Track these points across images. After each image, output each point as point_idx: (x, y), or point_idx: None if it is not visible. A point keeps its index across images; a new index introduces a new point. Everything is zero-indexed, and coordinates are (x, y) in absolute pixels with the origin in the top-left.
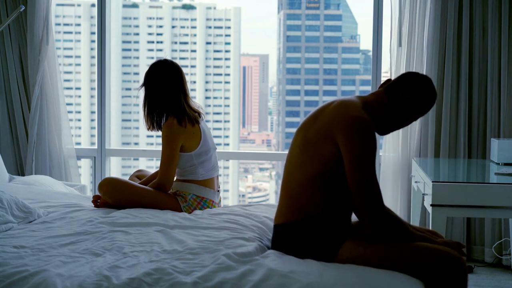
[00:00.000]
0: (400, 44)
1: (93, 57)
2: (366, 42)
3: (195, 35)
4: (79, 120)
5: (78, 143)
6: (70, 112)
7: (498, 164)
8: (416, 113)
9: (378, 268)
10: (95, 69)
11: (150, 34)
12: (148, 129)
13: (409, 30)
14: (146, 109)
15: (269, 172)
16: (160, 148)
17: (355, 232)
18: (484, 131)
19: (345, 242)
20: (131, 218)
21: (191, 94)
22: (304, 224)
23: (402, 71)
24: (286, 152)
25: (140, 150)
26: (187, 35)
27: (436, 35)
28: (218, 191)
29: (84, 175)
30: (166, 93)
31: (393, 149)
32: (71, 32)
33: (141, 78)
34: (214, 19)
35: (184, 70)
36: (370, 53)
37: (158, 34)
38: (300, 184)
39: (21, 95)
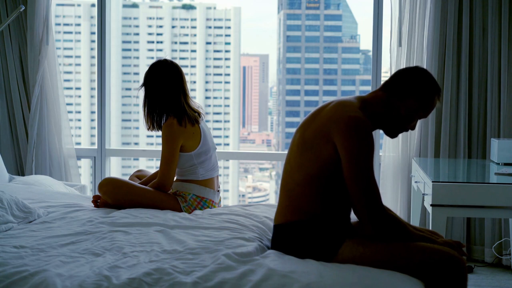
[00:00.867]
0: (400, 44)
1: (93, 57)
2: (366, 42)
3: (195, 35)
4: (79, 120)
5: (78, 143)
6: (70, 112)
7: (498, 164)
8: (418, 101)
9: (378, 268)
10: (95, 69)
11: (150, 34)
12: (148, 129)
13: (409, 30)
14: (146, 109)
15: (269, 172)
16: (160, 148)
17: (355, 232)
18: (484, 131)
19: (345, 242)
20: (131, 218)
21: (191, 94)
22: (304, 224)
23: None
24: (286, 152)
25: (140, 150)
26: (187, 35)
27: (436, 35)
28: (218, 191)
29: (84, 175)
30: (166, 93)
31: (393, 149)
32: (71, 32)
33: (141, 78)
34: (214, 19)
35: (184, 70)
36: (370, 53)
37: (158, 34)
38: (299, 184)
39: (21, 95)
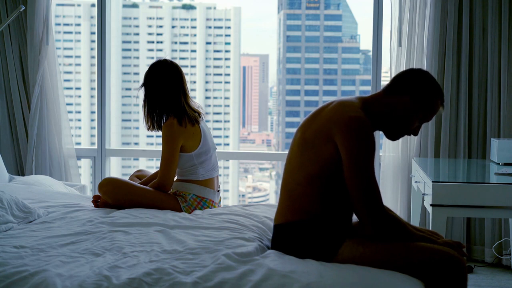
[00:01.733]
0: (400, 44)
1: (93, 57)
2: (366, 42)
3: (195, 35)
4: (79, 120)
5: (78, 143)
6: (70, 112)
7: (498, 164)
8: (414, 100)
9: (378, 268)
10: (95, 69)
11: (150, 34)
12: (148, 129)
13: (409, 30)
14: (146, 109)
15: (269, 172)
16: (160, 148)
17: (355, 232)
18: (484, 131)
19: (345, 242)
20: (131, 218)
21: (191, 94)
22: (304, 224)
23: None
24: (286, 152)
25: (140, 150)
26: (187, 35)
27: (436, 35)
28: (218, 191)
29: (84, 175)
30: (166, 93)
31: (393, 149)
32: (71, 32)
33: (141, 78)
34: (214, 19)
35: (184, 70)
36: (370, 53)
37: (158, 34)
38: (300, 184)
39: (21, 95)
